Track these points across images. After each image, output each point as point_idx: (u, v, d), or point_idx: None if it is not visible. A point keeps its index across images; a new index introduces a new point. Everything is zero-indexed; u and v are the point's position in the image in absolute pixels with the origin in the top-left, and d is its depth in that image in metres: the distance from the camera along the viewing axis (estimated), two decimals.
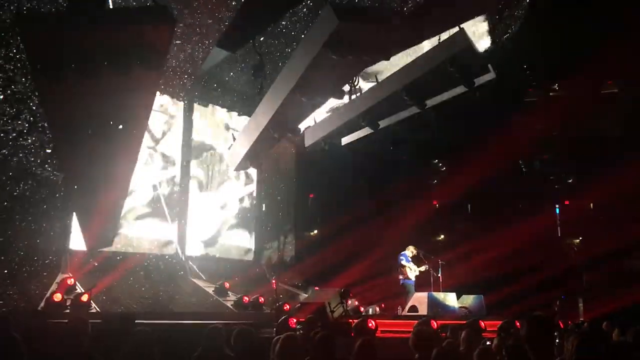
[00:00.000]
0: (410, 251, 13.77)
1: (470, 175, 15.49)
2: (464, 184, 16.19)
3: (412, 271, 13.67)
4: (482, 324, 8.60)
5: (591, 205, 18.57)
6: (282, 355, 4.82)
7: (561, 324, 9.55)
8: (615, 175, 14.60)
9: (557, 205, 19.46)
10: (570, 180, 19.02)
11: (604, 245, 15.48)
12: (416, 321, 8.22)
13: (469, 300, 12.78)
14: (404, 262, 13.60)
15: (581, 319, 13.19)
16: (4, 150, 11.25)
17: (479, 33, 13.24)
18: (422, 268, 13.74)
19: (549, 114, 15.74)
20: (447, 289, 13.48)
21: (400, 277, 13.71)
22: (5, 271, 10.89)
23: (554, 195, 19.26)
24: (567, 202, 19.26)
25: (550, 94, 16.19)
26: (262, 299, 13.37)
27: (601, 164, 16.46)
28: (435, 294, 13.10)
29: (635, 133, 15.95)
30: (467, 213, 20.25)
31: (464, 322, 8.53)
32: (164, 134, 14.92)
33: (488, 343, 6.07)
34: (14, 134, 11.39)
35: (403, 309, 13.21)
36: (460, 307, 12.48)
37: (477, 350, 4.22)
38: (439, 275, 13.80)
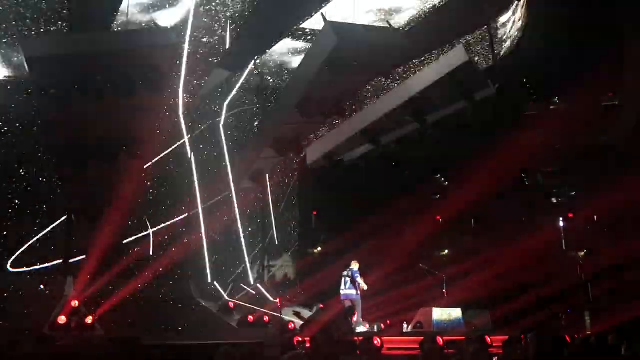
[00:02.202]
0: (357, 266, 13.40)
1: (473, 189, 15.47)
2: (467, 199, 16.17)
3: (361, 285, 13.31)
4: (489, 339, 8.57)
5: (595, 217, 18.50)
6: None
7: (568, 338, 9.48)
8: (618, 187, 14.57)
9: (561, 218, 19.41)
10: (573, 193, 18.99)
11: (609, 258, 15.40)
12: (422, 337, 8.19)
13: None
14: (358, 279, 13.19)
15: (588, 333, 13.07)
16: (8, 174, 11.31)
17: (478, 48, 13.34)
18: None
19: (550, 127, 15.76)
20: (452, 304, 13.42)
21: (355, 292, 13.25)
22: (12, 294, 10.89)
23: (558, 209, 19.22)
24: (570, 215, 19.20)
25: (551, 107, 16.23)
26: (266, 318, 13.32)
27: (604, 176, 16.44)
28: (440, 309, 13.04)
29: (638, 144, 15.94)
30: (471, 227, 20.20)
31: (471, 337, 8.49)
32: (167, 153, 14.96)
33: (495, 359, 6.04)
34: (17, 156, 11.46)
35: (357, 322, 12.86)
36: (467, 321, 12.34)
37: None
38: (444, 290, 13.73)
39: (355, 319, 12.96)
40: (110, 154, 8.73)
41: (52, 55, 7.16)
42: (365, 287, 13.11)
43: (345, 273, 13.20)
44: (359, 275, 13.08)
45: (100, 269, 12.07)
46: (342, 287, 13.10)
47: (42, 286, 11.83)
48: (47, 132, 9.07)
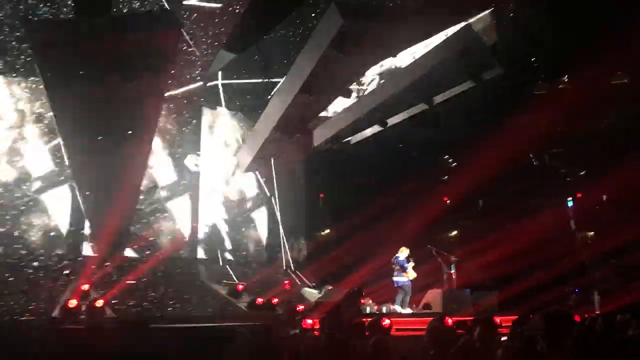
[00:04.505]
0: (404, 253, 13.45)
1: (481, 170, 15.37)
2: (475, 180, 16.08)
3: (411, 274, 13.38)
4: (497, 319, 8.55)
5: (604, 197, 18.39)
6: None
7: (577, 318, 9.47)
8: (627, 168, 14.45)
9: (569, 199, 19.30)
10: (582, 174, 18.85)
11: (618, 238, 15.32)
12: (430, 318, 8.18)
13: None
14: (405, 265, 13.25)
15: (597, 312, 13.06)
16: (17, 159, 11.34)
17: (485, 27, 13.17)
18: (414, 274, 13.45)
19: (558, 107, 15.59)
20: (460, 286, 13.42)
21: (399, 279, 13.32)
22: (21, 278, 10.97)
23: (566, 189, 19.10)
24: (579, 195, 19.09)
25: (559, 86, 16.03)
26: (275, 300, 13.38)
27: (613, 156, 16.29)
28: (449, 290, 13.05)
29: None
30: (479, 209, 20.13)
31: (479, 318, 8.48)
32: (173, 137, 14.96)
33: (504, 339, 6.02)
34: (25, 142, 11.49)
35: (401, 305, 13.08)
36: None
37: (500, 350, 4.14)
38: (452, 272, 13.72)
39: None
40: (117, 139, 8.70)
41: (57, 39, 7.11)
42: (412, 276, 13.18)
43: (393, 259, 13.30)
44: (405, 262, 13.17)
45: (110, 253, 12.15)
46: (394, 273, 13.22)
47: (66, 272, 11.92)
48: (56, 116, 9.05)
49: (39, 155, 12.96)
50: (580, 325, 6.82)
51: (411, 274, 13.23)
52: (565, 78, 15.90)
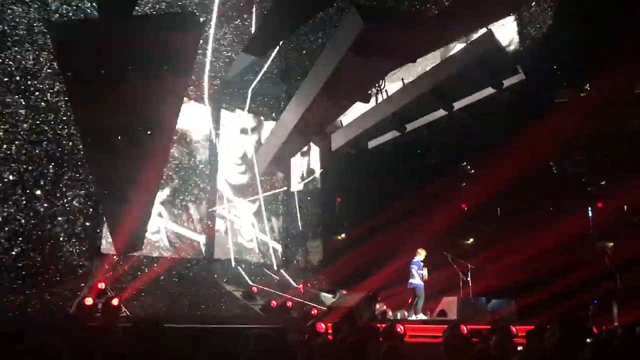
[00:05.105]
0: (421, 255, 13.46)
1: (500, 177, 15.25)
2: (494, 187, 15.95)
3: (424, 276, 13.40)
4: (514, 329, 8.45)
5: (625, 207, 18.14)
6: None
7: (595, 330, 9.32)
8: None
9: (589, 208, 19.06)
10: (602, 182, 18.63)
11: (638, 248, 15.08)
12: (445, 326, 8.11)
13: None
14: (418, 270, 13.28)
15: (615, 324, 12.85)
16: (36, 153, 11.43)
17: (507, 34, 13.08)
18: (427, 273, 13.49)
19: (580, 115, 15.43)
20: (476, 294, 13.30)
21: (412, 280, 13.37)
22: (39, 277, 11.07)
23: (587, 198, 18.87)
24: (600, 205, 18.85)
25: (582, 94, 15.87)
26: (289, 303, 13.37)
27: (634, 165, 16.08)
28: (465, 298, 12.94)
29: None
30: (497, 216, 19.96)
31: (495, 327, 8.39)
32: (191, 138, 15.02)
33: (520, 348, 5.95)
34: (44, 139, 11.59)
35: (414, 312, 13.08)
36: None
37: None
38: (469, 279, 13.61)
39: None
40: (136, 138, 8.75)
41: (79, 38, 7.18)
42: (425, 277, 13.22)
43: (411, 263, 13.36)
44: (419, 265, 13.21)
45: (127, 252, 12.22)
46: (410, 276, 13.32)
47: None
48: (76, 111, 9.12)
49: None
50: (598, 336, 6.71)
51: (424, 276, 13.26)
52: (588, 86, 15.73)
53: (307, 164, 18.40)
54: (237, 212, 16.01)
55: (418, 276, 13.17)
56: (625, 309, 13.85)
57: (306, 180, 18.26)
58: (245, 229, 16.13)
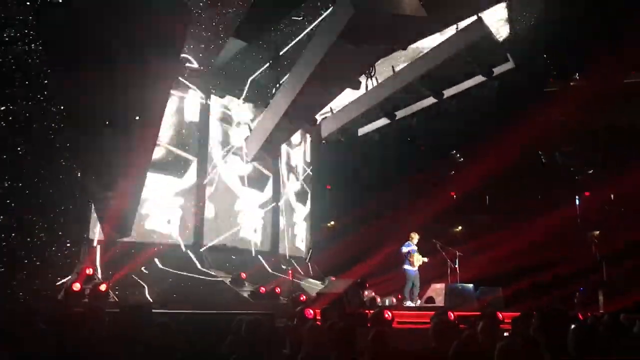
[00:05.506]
0: (414, 239, 13.58)
1: (489, 166, 15.32)
2: (482, 176, 16.03)
3: (417, 261, 13.51)
4: (500, 315, 8.54)
5: (612, 196, 18.30)
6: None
7: (580, 316, 9.43)
8: (636, 167, 14.36)
9: (577, 197, 19.21)
10: (590, 172, 18.77)
11: (625, 237, 15.25)
12: (433, 312, 8.17)
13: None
14: (411, 252, 13.43)
15: (601, 311, 13.00)
16: (20, 140, 11.29)
17: (497, 21, 13.05)
18: (425, 259, 13.60)
19: (569, 105, 15.49)
20: (464, 281, 13.40)
21: (405, 266, 13.48)
22: (25, 261, 10.98)
23: (574, 187, 19.02)
24: (587, 194, 19.01)
25: (571, 84, 15.92)
26: (278, 290, 13.40)
27: (622, 156, 16.21)
28: (452, 285, 13.03)
29: None
30: (486, 205, 20.09)
31: (482, 313, 8.46)
32: (180, 124, 14.92)
33: (506, 334, 6.00)
34: (29, 124, 11.44)
35: (403, 297, 13.22)
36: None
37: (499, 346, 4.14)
38: (456, 266, 13.71)
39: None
40: (124, 123, 8.67)
41: (64, 20, 7.08)
42: (418, 263, 13.31)
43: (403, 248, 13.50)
44: (409, 249, 13.31)
45: (115, 237, 12.17)
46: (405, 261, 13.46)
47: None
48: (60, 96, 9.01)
49: None
50: (583, 323, 6.78)
51: (417, 261, 13.37)
52: (578, 76, 15.78)
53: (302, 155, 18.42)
54: (224, 198, 15.92)
55: (417, 262, 13.36)
56: (611, 297, 14.04)
57: (302, 177, 18.28)
58: (233, 215, 16.07)
